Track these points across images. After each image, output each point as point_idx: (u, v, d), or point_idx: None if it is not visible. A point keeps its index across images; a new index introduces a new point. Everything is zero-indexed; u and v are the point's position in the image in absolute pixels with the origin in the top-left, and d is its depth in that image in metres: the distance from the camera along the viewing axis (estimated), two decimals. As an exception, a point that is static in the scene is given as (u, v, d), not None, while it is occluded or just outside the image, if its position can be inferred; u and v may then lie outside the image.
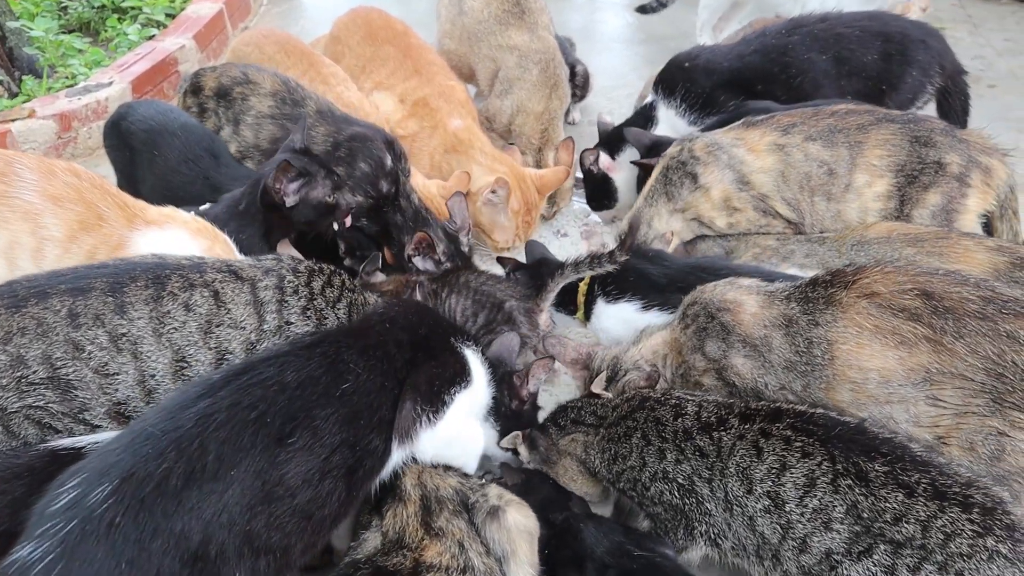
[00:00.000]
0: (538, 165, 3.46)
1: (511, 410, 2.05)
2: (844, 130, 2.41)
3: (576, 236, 3.38)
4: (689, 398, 1.86)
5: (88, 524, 1.27)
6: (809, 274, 2.01)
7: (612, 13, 5.54)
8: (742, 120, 2.63)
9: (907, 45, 2.86)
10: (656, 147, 2.97)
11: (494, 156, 3.17)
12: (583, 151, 3.20)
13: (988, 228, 2.43)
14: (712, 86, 3.02)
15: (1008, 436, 1.60)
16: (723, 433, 1.72)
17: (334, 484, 1.50)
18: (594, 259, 2.35)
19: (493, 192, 2.98)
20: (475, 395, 1.86)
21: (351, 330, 1.79)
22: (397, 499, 1.69)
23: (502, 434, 2.03)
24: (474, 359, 1.88)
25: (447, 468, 1.80)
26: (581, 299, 2.51)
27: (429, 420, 1.71)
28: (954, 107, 2.92)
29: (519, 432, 2.03)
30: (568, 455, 2.01)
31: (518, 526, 1.66)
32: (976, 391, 1.62)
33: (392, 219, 2.68)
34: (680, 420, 1.80)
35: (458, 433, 1.82)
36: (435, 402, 1.73)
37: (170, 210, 2.19)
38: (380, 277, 2.60)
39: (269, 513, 1.41)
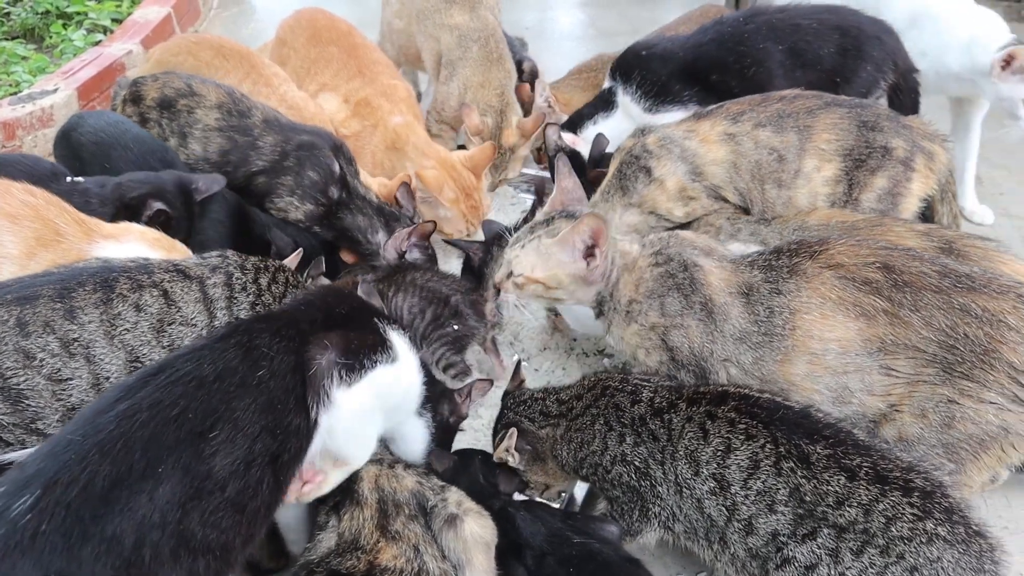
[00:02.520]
0: (499, 128, 3.44)
1: (447, 424, 2.04)
2: (793, 114, 2.44)
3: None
4: (644, 384, 1.87)
5: (11, 537, 1.22)
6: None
7: (563, 11, 5.57)
8: (693, 112, 2.66)
9: (863, 40, 2.88)
10: (602, 161, 3.01)
11: (424, 151, 3.17)
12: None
13: (929, 211, 2.50)
14: (668, 74, 3.04)
15: (958, 404, 1.66)
16: (673, 416, 1.74)
17: (261, 472, 1.47)
18: (515, 227, 2.36)
19: (417, 190, 3.02)
20: (400, 377, 1.76)
21: (264, 315, 1.76)
22: (354, 502, 1.67)
23: (433, 442, 1.96)
24: (400, 342, 1.79)
25: (406, 467, 1.79)
26: None
27: (343, 378, 1.61)
28: (904, 103, 2.95)
29: (514, 430, 1.96)
30: (545, 446, 2.00)
31: (475, 536, 1.66)
32: (928, 361, 1.68)
33: (352, 221, 2.69)
34: (636, 407, 1.82)
35: (376, 410, 1.72)
36: (352, 359, 1.63)
37: (125, 224, 2.20)
38: (324, 281, 2.60)
39: (202, 509, 1.38)
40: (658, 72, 3.05)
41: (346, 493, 1.70)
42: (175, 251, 2.19)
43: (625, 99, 3.14)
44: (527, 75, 3.91)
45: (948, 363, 1.66)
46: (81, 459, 1.31)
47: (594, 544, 1.74)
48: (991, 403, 1.64)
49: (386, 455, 1.86)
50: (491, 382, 2.19)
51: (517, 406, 2.03)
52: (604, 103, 3.23)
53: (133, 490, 1.32)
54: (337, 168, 2.65)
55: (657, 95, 3.05)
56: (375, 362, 1.67)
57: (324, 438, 1.61)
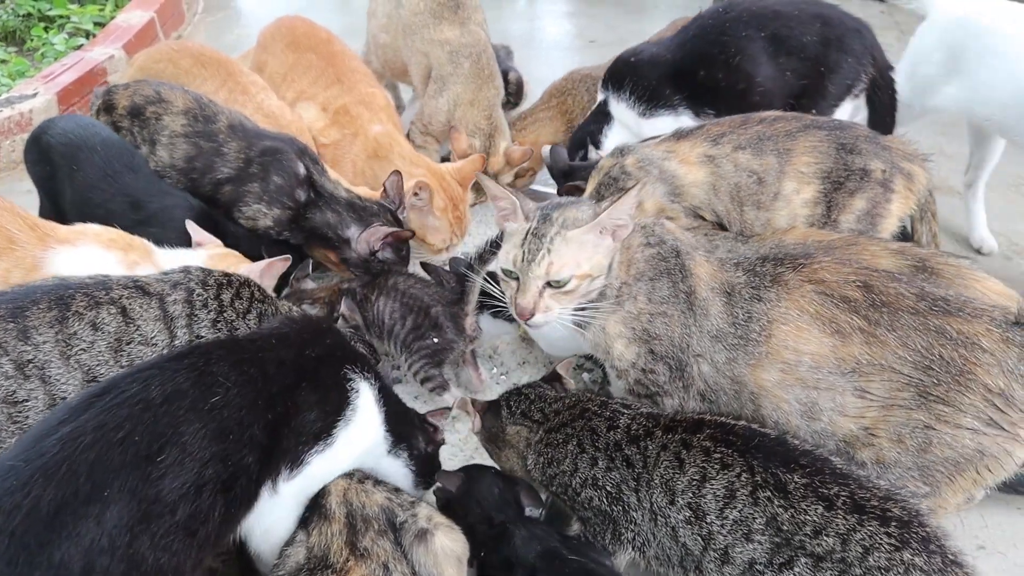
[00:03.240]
0: (486, 152, 3.45)
1: (426, 453, 2.01)
2: (772, 137, 2.43)
3: (469, 241, 3.35)
4: (623, 410, 1.85)
5: None
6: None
7: (551, 20, 5.58)
8: (673, 131, 2.66)
9: (844, 32, 2.86)
10: (571, 173, 3.03)
11: (412, 160, 3.16)
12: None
13: (908, 230, 2.50)
14: (658, 78, 3.03)
15: (934, 429, 1.65)
16: (648, 443, 1.72)
17: (212, 498, 1.45)
18: (493, 242, 2.35)
19: (415, 195, 2.98)
20: (356, 435, 1.75)
21: (225, 343, 1.70)
22: (322, 516, 1.65)
23: (416, 475, 1.96)
24: (367, 394, 1.78)
25: (376, 483, 1.76)
26: None
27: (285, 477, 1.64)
28: (882, 100, 2.94)
29: (474, 401, 2.00)
30: (511, 447, 2.01)
31: (445, 551, 1.64)
32: (903, 384, 1.66)
33: (323, 219, 2.63)
34: (612, 432, 1.79)
35: (322, 477, 1.73)
36: (294, 460, 1.65)
37: (80, 227, 2.18)
38: (310, 284, 2.60)
39: (151, 533, 1.36)
40: (648, 77, 3.04)
41: (314, 507, 1.68)
42: (132, 250, 2.16)
43: (619, 108, 3.13)
44: (512, 85, 3.90)
45: (923, 386, 1.65)
46: (24, 485, 1.29)
47: (588, 564, 1.72)
48: (967, 428, 1.63)
49: (358, 470, 1.83)
50: (448, 409, 2.15)
51: (511, 393, 2.05)
52: (601, 116, 3.21)
53: (79, 514, 1.29)
54: (302, 170, 2.61)
55: (649, 100, 3.03)
56: (312, 456, 1.67)
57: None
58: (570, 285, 1.84)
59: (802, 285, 1.80)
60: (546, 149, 3.27)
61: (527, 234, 1.86)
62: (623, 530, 1.74)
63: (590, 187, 2.64)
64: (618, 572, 1.76)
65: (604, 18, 5.13)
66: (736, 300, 1.86)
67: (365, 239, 2.60)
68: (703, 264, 1.94)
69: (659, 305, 1.91)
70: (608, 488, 1.75)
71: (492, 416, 2.03)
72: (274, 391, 1.60)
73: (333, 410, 1.70)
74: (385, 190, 2.78)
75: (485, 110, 3.44)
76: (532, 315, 1.84)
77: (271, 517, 1.66)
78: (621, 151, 2.59)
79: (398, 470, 1.91)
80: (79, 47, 4.40)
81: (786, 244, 2.28)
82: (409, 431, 1.95)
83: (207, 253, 2.30)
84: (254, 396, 1.56)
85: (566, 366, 2.07)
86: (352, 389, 1.74)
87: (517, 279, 1.87)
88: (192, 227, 2.36)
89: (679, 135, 2.56)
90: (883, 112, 2.95)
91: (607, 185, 2.55)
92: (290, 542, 1.65)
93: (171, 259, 2.22)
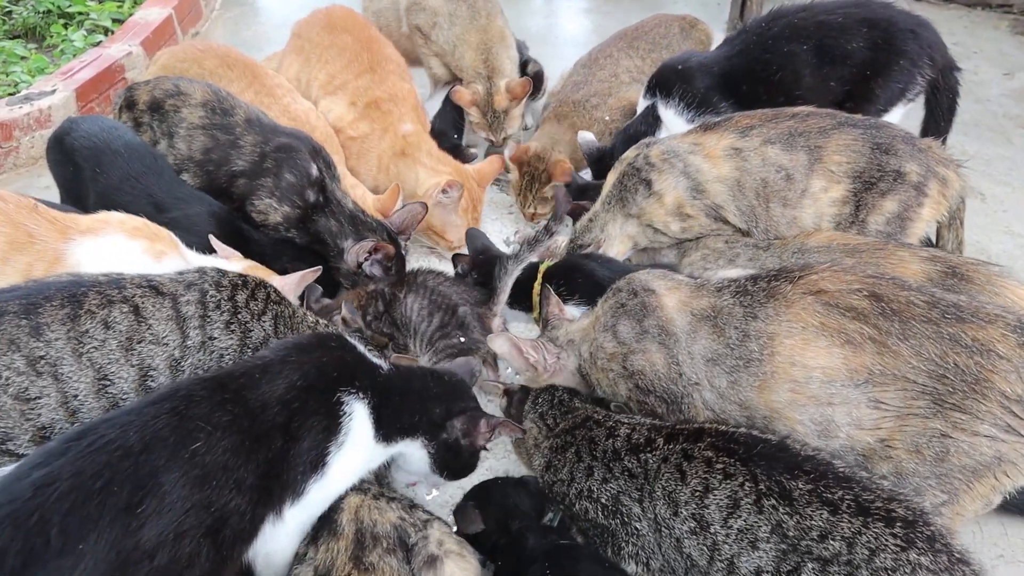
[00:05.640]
0: (489, 93, 3.53)
1: (457, 446, 1.89)
2: (804, 133, 2.39)
3: (488, 227, 3.43)
4: (624, 421, 1.84)
5: None
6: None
7: (567, 17, 5.56)
8: (701, 123, 2.63)
9: (894, 34, 2.78)
10: (602, 158, 3.09)
11: (439, 159, 3.22)
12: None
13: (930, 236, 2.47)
14: (705, 88, 3.03)
15: (951, 437, 1.62)
16: (649, 455, 1.70)
17: (196, 545, 1.40)
18: (530, 241, 2.38)
19: (444, 192, 3.01)
20: (351, 456, 1.69)
21: (207, 381, 1.60)
22: (331, 533, 1.62)
23: (435, 460, 1.88)
24: (360, 417, 1.71)
25: (389, 501, 1.71)
26: (536, 299, 2.53)
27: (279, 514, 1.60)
28: (941, 104, 2.86)
29: (509, 388, 1.99)
30: (524, 440, 2.03)
31: None
32: (918, 393, 1.63)
33: (325, 226, 2.65)
34: (611, 441, 1.78)
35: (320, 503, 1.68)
36: (295, 491, 1.61)
37: (104, 215, 2.16)
38: (326, 302, 2.56)
39: None
40: (696, 84, 3.04)
41: (324, 523, 1.65)
42: (159, 240, 2.15)
43: (668, 113, 3.12)
44: (530, 74, 3.91)
45: (939, 394, 1.61)
46: None
47: (599, 558, 1.73)
48: (985, 435, 1.60)
49: (373, 484, 1.80)
50: (522, 430, 2.04)
51: (543, 389, 2.07)
52: (650, 119, 3.20)
53: (50, 569, 1.24)
54: (315, 171, 2.62)
55: (698, 106, 3.03)
56: (327, 464, 1.63)
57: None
58: None
59: (802, 297, 1.75)
60: (583, 135, 3.33)
61: None
62: (623, 543, 1.72)
63: (611, 178, 2.63)
64: (624, 570, 1.74)
65: (620, 15, 5.10)
66: (726, 321, 1.82)
67: (355, 251, 2.60)
68: (667, 297, 1.92)
69: (629, 344, 1.92)
70: (603, 500, 1.74)
71: (519, 404, 2.05)
72: (261, 431, 1.54)
73: (324, 438, 1.64)
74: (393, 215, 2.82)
75: (482, 53, 3.50)
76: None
77: (274, 543, 1.62)
78: (647, 143, 2.58)
79: (414, 452, 1.86)
80: (98, 44, 4.42)
81: (809, 247, 2.26)
82: (432, 419, 1.85)
83: (241, 265, 2.29)
84: (240, 438, 1.51)
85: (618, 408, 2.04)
86: (344, 414, 1.68)
87: None
88: (216, 243, 2.35)
89: (706, 126, 2.53)
90: (939, 116, 2.88)
91: (630, 175, 2.54)
92: (300, 559, 1.63)
93: (202, 261, 2.21)
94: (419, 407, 1.84)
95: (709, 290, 1.91)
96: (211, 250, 2.34)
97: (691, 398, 1.86)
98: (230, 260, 2.30)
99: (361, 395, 1.72)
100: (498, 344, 2.15)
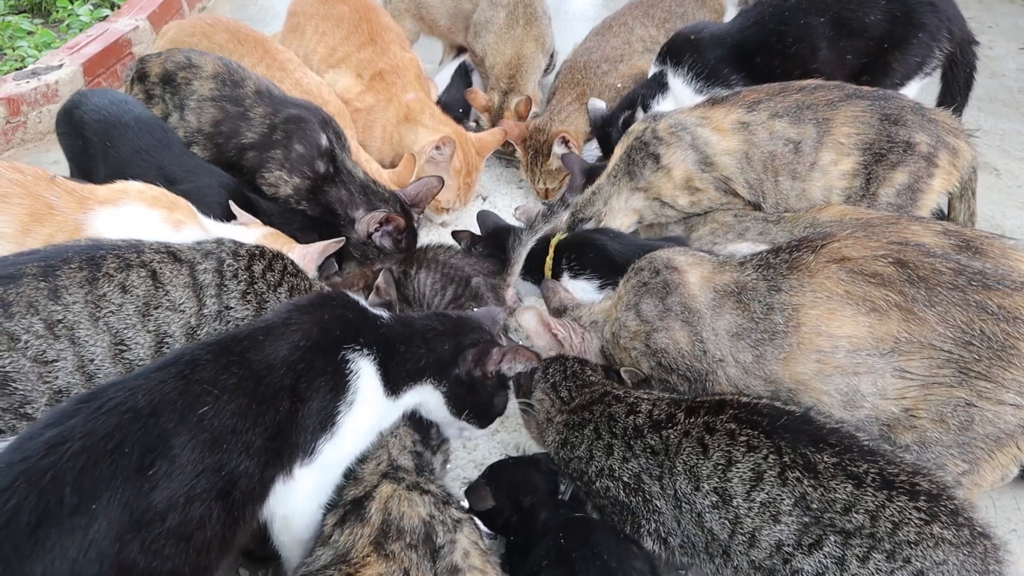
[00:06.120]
0: (501, 108, 3.53)
1: (471, 380, 1.82)
2: (812, 106, 2.37)
3: (499, 201, 3.46)
4: (644, 397, 1.82)
5: None
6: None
7: (579, -8, 5.50)
8: (708, 97, 2.61)
9: (913, 7, 2.74)
10: (609, 122, 3.09)
11: (441, 120, 3.23)
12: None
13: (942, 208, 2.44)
14: (716, 58, 3.00)
15: (976, 407, 1.61)
16: (671, 431, 1.68)
17: (207, 508, 1.39)
18: (545, 214, 2.35)
19: (437, 149, 3.01)
20: (362, 414, 1.67)
21: (212, 346, 1.58)
22: (358, 519, 1.58)
23: (449, 399, 1.82)
24: (367, 372, 1.68)
25: (423, 493, 1.65)
26: (548, 273, 2.51)
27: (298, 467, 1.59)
28: (958, 78, 2.82)
29: (520, 348, 1.86)
30: (534, 411, 2.00)
31: None
32: (943, 361, 1.62)
33: (336, 196, 2.62)
34: (632, 417, 1.76)
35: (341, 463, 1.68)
36: (305, 451, 1.59)
37: (121, 184, 2.15)
38: (336, 279, 2.54)
39: (141, 540, 1.31)
40: (707, 55, 3.01)
41: (355, 507, 1.62)
42: (177, 209, 2.14)
43: (676, 81, 3.09)
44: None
45: (964, 362, 1.60)
46: (4, 490, 1.23)
47: (612, 529, 1.73)
48: (1010, 404, 1.58)
49: (411, 473, 1.74)
50: (537, 356, 1.94)
51: (554, 359, 2.04)
52: (658, 85, 3.18)
53: (64, 527, 1.24)
54: (325, 142, 2.60)
55: (707, 77, 3.00)
56: (336, 424, 1.61)
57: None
58: None
59: (826, 266, 1.73)
60: (594, 102, 3.32)
61: None
62: (643, 521, 1.70)
63: (619, 151, 2.61)
64: (639, 542, 1.72)
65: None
66: (749, 295, 1.80)
67: (365, 221, 2.57)
68: (689, 273, 1.90)
69: (652, 322, 1.90)
70: (625, 479, 1.72)
71: (528, 376, 2.01)
72: (268, 392, 1.53)
73: (333, 398, 1.62)
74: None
75: (511, 69, 3.48)
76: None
77: (289, 505, 1.61)
78: (654, 116, 2.55)
79: (428, 398, 1.82)
80: (104, 18, 4.39)
81: (820, 222, 2.24)
82: (438, 358, 1.81)
83: (260, 232, 2.29)
84: (246, 401, 1.49)
85: (631, 375, 2.00)
86: (351, 372, 1.65)
87: None
88: (237, 210, 2.34)
89: (714, 101, 2.52)
90: (955, 90, 2.84)
91: (637, 149, 2.52)
92: (324, 541, 1.60)
93: (220, 230, 2.20)
94: (423, 349, 1.80)
95: (732, 265, 1.90)
96: (225, 221, 2.32)
97: (715, 375, 1.84)
98: (250, 227, 2.29)
99: (366, 351, 1.69)
100: (525, 318, 2.11)
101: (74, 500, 1.26)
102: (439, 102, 3.53)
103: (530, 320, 2.12)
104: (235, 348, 1.57)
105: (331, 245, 2.33)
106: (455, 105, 3.70)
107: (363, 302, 1.83)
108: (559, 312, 2.24)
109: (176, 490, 1.36)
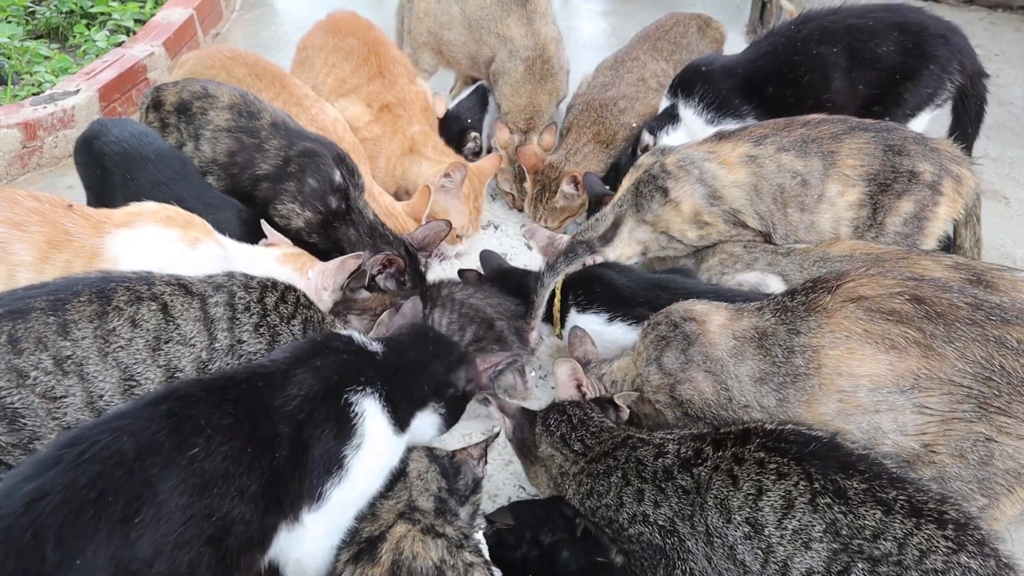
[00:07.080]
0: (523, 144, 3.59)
1: (464, 395, 1.89)
2: (817, 140, 2.41)
3: (509, 230, 3.50)
4: (669, 437, 1.81)
5: None
6: (772, 289, 1.99)
7: (585, 20, 5.54)
8: (715, 132, 2.63)
9: (925, 39, 2.76)
10: (602, 200, 3.05)
11: (443, 151, 3.32)
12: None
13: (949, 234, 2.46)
14: (727, 89, 3.02)
15: (996, 442, 1.61)
16: (701, 468, 1.67)
17: (196, 554, 1.34)
18: (566, 255, 2.35)
19: (447, 176, 3.05)
20: (371, 455, 1.65)
21: (206, 383, 1.55)
22: (370, 559, 1.57)
23: (444, 418, 1.86)
24: (373, 413, 1.66)
25: (436, 537, 1.62)
26: (557, 314, 2.51)
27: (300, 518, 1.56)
28: (969, 110, 2.84)
29: (504, 404, 1.91)
30: (542, 465, 1.97)
31: None
32: (963, 397, 1.62)
33: (345, 234, 2.63)
34: (661, 460, 1.74)
35: (351, 505, 1.65)
36: (311, 496, 1.56)
37: (135, 207, 2.17)
38: (364, 294, 2.54)
39: None
40: (718, 86, 3.03)
41: (370, 544, 1.60)
42: (192, 227, 2.15)
43: (687, 113, 3.12)
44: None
45: (984, 398, 1.60)
46: None
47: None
48: None
49: (429, 515, 1.71)
50: (521, 371, 2.02)
51: (551, 409, 2.00)
52: (669, 117, 3.21)
53: None
54: (338, 178, 2.61)
55: (718, 108, 3.02)
56: (345, 468, 1.58)
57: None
58: None
59: (843, 306, 1.74)
60: (590, 177, 3.31)
61: None
62: (677, 562, 1.67)
63: (626, 183, 2.62)
64: None
65: (638, 17, 5.07)
66: (771, 341, 1.81)
67: (369, 264, 2.55)
68: (708, 322, 1.90)
69: (675, 375, 1.91)
70: (660, 523, 1.70)
71: (526, 427, 1.98)
72: (266, 437, 1.49)
73: (338, 443, 1.59)
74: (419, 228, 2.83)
75: (527, 113, 3.55)
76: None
77: (300, 549, 1.58)
78: (662, 150, 2.57)
79: (425, 420, 1.83)
80: (120, 44, 4.44)
81: (831, 256, 2.26)
82: (438, 382, 1.83)
83: (281, 251, 2.30)
84: (241, 444, 1.45)
85: (624, 398, 2.00)
86: (356, 415, 1.62)
87: None
88: (267, 228, 2.37)
89: (721, 136, 2.54)
90: (967, 122, 2.86)
91: (646, 182, 2.53)
92: None
93: (241, 250, 2.22)
94: (422, 375, 1.80)
95: (749, 310, 1.90)
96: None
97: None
98: (278, 246, 2.30)
99: (369, 389, 1.67)
100: (562, 370, 2.08)
101: (57, 557, 1.22)
102: (448, 113, 3.65)
103: (564, 372, 2.08)
104: (232, 389, 1.53)
105: (350, 260, 2.34)
106: (462, 116, 3.76)
107: (358, 337, 1.81)
108: (579, 362, 2.23)
109: (163, 537, 1.32)
